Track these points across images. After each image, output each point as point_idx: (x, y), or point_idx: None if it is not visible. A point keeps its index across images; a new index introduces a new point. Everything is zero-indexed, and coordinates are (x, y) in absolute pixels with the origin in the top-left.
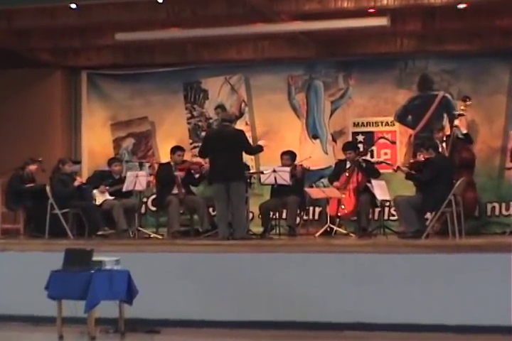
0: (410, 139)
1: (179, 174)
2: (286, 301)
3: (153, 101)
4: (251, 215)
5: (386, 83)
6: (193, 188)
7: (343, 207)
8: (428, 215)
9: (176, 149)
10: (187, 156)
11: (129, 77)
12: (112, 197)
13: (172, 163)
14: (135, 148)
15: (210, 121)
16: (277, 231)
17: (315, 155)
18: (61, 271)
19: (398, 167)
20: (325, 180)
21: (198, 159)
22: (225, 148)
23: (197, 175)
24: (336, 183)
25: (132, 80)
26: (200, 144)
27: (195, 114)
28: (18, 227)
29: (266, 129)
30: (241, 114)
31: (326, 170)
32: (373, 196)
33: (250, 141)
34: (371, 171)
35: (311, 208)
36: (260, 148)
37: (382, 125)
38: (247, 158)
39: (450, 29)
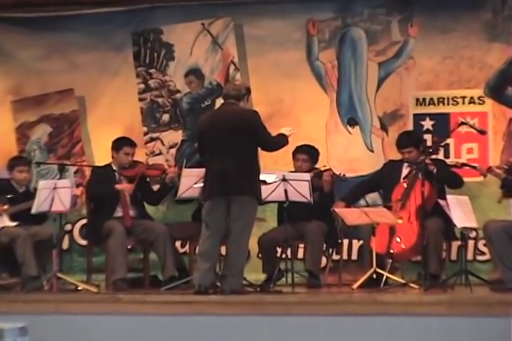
0: (511, 126)
1: (124, 187)
2: None
3: (83, 64)
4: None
5: (470, 33)
6: (149, 209)
7: (398, 239)
8: None
9: (122, 143)
10: (139, 155)
11: (42, 23)
12: (14, 223)
13: (115, 167)
14: (52, 141)
15: (178, 95)
16: (289, 281)
17: (353, 153)
18: None
19: (490, 168)
20: (370, 195)
21: (158, 159)
22: (228, 140)
23: (156, 187)
24: (340, 203)
25: (48, 29)
26: (160, 134)
27: (151, 84)
28: None
29: (271, 109)
30: None
31: None
32: (449, 221)
33: None
34: (446, 179)
35: (346, 242)
36: (285, 140)
37: (463, 103)
38: None
39: None
